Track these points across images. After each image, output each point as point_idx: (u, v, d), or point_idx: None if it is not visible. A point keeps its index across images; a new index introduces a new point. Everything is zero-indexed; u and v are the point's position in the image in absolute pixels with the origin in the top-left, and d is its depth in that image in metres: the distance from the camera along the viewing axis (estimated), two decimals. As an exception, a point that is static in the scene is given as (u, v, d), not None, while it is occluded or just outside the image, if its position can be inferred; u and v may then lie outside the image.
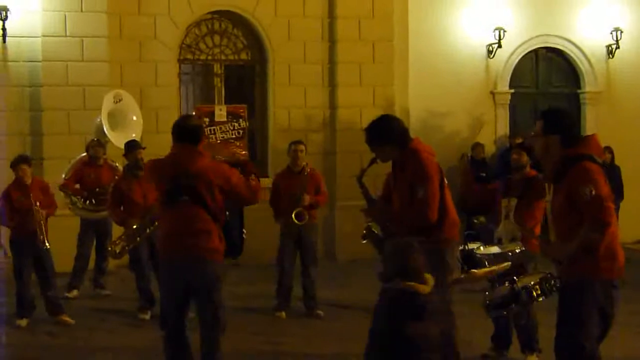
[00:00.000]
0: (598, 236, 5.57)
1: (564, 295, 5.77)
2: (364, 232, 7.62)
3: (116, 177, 11.07)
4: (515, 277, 5.95)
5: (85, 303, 11.28)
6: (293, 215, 10.50)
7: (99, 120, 12.06)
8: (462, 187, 8.56)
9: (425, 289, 5.36)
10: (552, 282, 5.78)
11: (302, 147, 10.92)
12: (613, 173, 16.02)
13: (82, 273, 11.79)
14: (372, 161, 7.00)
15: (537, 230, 8.21)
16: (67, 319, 10.25)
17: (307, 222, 10.57)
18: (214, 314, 6.82)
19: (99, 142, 11.71)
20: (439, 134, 15.45)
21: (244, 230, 8.04)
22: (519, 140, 13.99)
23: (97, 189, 11.44)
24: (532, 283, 5.75)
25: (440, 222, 6.72)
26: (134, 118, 12.59)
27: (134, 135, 12.08)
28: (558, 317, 5.81)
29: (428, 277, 5.45)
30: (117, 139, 11.86)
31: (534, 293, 5.76)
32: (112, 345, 9.28)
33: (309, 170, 10.84)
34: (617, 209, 15.41)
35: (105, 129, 11.91)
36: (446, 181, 6.86)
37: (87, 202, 11.42)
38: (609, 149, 16.06)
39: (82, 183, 11.59)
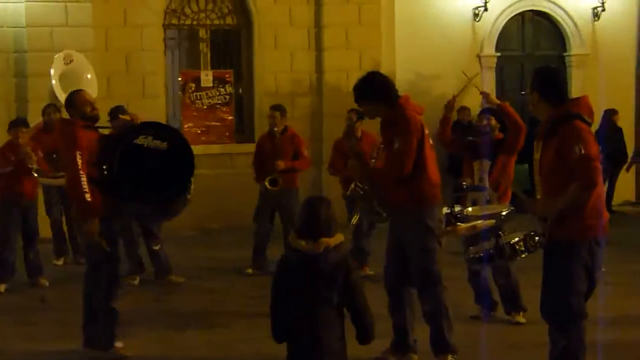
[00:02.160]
0: (585, 194, 5.61)
1: (550, 254, 5.79)
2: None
3: None
4: (500, 232, 5.96)
5: (74, 269, 11.27)
6: (266, 182, 10.55)
7: (51, 83, 11.85)
8: (438, 130, 8.59)
9: (308, 247, 5.14)
10: (536, 239, 5.80)
11: (276, 113, 10.94)
12: (617, 135, 16.11)
13: (62, 239, 11.71)
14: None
15: (509, 190, 8.33)
16: (44, 281, 10.36)
17: (284, 187, 10.64)
18: None
19: (54, 107, 11.43)
20: (425, 97, 15.32)
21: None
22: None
23: (54, 155, 11.14)
24: (516, 239, 5.78)
25: (418, 180, 6.74)
26: (88, 76, 12.35)
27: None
28: (544, 276, 5.84)
29: (336, 236, 5.23)
30: None
31: (518, 249, 5.78)
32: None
33: (287, 133, 10.89)
34: (620, 171, 15.80)
35: (57, 92, 11.68)
36: (431, 141, 6.88)
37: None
38: (613, 111, 16.10)
39: (42, 148, 11.06)
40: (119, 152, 6.97)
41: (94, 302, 7.40)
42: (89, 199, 7.05)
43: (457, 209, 7.63)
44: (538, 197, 5.85)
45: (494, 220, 6.90)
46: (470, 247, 6.36)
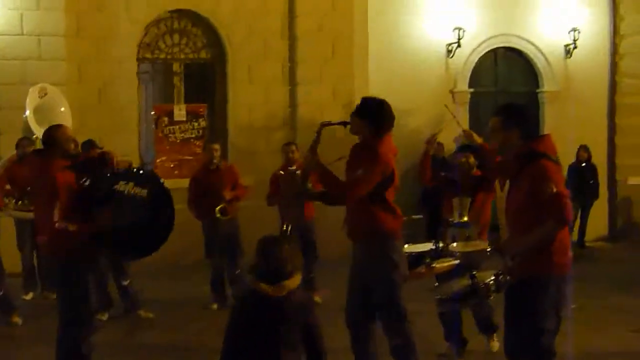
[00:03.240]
0: (557, 231, 5.61)
1: (516, 293, 5.75)
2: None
3: None
4: (474, 272, 5.95)
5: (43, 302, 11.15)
6: (217, 211, 10.56)
7: (25, 116, 11.76)
8: (419, 166, 8.55)
9: (269, 291, 5.05)
10: (507, 278, 5.78)
11: (217, 146, 11.17)
12: (590, 172, 16.25)
13: (32, 274, 11.60)
14: (343, 123, 6.97)
15: (486, 227, 8.37)
16: (17, 319, 10.15)
17: (229, 218, 10.76)
18: None
19: (28, 140, 11.36)
20: (399, 132, 15.18)
21: None
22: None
23: (29, 188, 11.04)
24: (490, 279, 5.76)
25: (382, 214, 6.70)
26: (62, 109, 12.26)
27: None
28: (509, 314, 5.80)
29: (296, 277, 5.15)
30: None
31: (491, 288, 5.76)
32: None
33: (223, 166, 11.08)
34: (590, 207, 15.93)
35: (31, 125, 11.59)
36: (397, 181, 6.87)
37: (19, 202, 11.05)
38: (585, 148, 16.27)
39: (13, 183, 11.06)
40: (96, 198, 6.89)
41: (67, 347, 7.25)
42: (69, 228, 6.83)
43: (441, 244, 7.65)
44: (502, 233, 5.86)
45: (457, 261, 6.85)
46: (438, 288, 6.31)
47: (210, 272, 11.05)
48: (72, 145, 7.18)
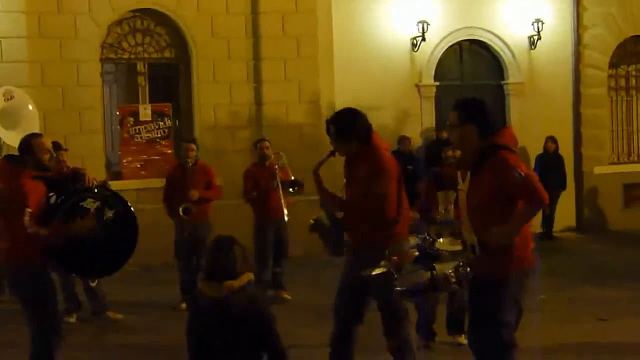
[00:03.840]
0: (535, 211, 5.61)
1: (478, 287, 5.71)
2: (312, 222, 7.46)
3: None
4: (434, 264, 5.88)
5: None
6: (180, 210, 10.52)
7: None
8: None
9: (211, 292, 5.07)
10: (467, 270, 5.72)
11: (192, 145, 11.19)
12: (557, 162, 16.37)
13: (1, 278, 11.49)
14: (331, 154, 6.89)
15: None
16: None
17: (199, 219, 10.72)
18: None
19: None
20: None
21: None
22: (445, 135, 14.10)
23: None
24: (449, 271, 5.71)
25: (397, 218, 6.66)
26: (30, 107, 12.09)
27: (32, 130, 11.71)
28: (473, 307, 5.81)
29: (242, 277, 5.15)
30: (14, 139, 11.50)
31: (450, 280, 5.71)
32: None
33: (198, 165, 11.04)
34: (558, 197, 16.05)
35: None
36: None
37: None
38: (552, 139, 16.38)
39: None
40: (61, 211, 6.74)
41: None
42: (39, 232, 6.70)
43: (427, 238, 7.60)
44: (463, 226, 5.82)
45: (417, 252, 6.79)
46: (400, 280, 6.23)
47: (179, 272, 11.00)
48: (47, 157, 7.02)
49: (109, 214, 6.85)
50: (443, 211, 8.41)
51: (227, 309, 5.05)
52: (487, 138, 5.77)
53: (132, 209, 7.08)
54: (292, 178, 10.93)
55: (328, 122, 6.90)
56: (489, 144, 5.73)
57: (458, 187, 5.99)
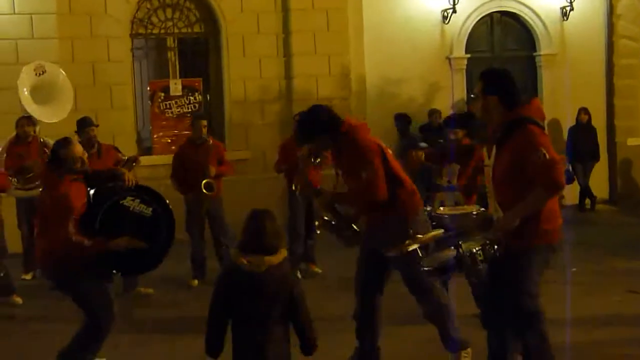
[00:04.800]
0: (550, 197, 5.54)
1: (503, 261, 5.67)
2: (318, 223, 7.50)
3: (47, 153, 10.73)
4: (460, 242, 5.87)
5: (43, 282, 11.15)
6: (202, 185, 10.53)
7: (23, 96, 11.60)
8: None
9: (254, 267, 5.09)
10: (495, 247, 5.68)
11: (203, 122, 11.11)
12: (589, 134, 16.26)
13: (31, 254, 11.57)
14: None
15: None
16: (17, 298, 10.15)
17: (212, 195, 10.71)
18: None
19: (27, 120, 11.27)
20: (395, 101, 15.44)
21: None
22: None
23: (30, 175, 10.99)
24: (476, 249, 5.67)
25: (396, 195, 6.62)
26: (62, 78, 12.03)
27: (67, 107, 11.77)
28: (495, 282, 5.77)
29: (280, 253, 5.19)
30: (46, 114, 11.51)
31: (478, 258, 5.68)
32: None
33: (208, 142, 10.97)
34: (591, 169, 16.02)
35: (25, 105, 11.46)
36: (390, 151, 6.81)
37: (16, 181, 11.01)
38: (585, 110, 16.27)
39: (13, 160, 11.02)
40: (103, 209, 6.86)
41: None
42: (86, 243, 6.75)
43: (428, 208, 7.64)
44: (490, 201, 5.78)
45: (442, 230, 6.76)
46: (426, 259, 6.22)
47: (190, 247, 11.02)
48: (79, 165, 7.01)
49: (148, 211, 6.97)
50: (447, 183, 8.47)
51: (262, 284, 5.09)
52: (511, 110, 5.70)
53: (170, 207, 7.17)
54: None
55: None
56: (515, 117, 5.66)
57: (485, 164, 5.94)
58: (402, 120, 14.58)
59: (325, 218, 7.09)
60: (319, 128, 6.72)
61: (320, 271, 11.18)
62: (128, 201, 6.93)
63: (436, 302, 6.79)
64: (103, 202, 6.92)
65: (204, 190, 10.60)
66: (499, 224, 5.65)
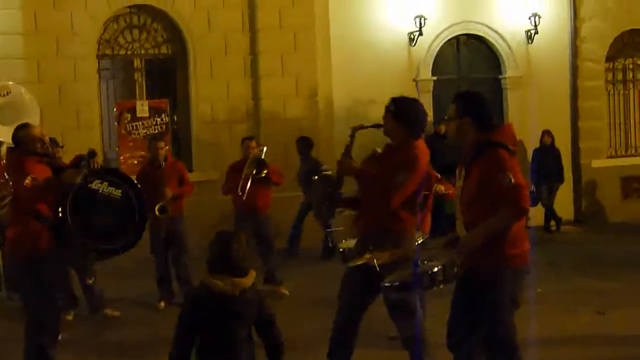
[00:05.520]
0: (514, 221, 5.51)
1: (471, 285, 5.63)
2: (320, 174, 7.33)
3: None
4: (423, 260, 5.83)
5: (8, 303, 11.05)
6: (156, 209, 10.53)
7: None
8: None
9: (227, 289, 5.07)
10: (455, 269, 5.64)
11: (161, 143, 11.13)
12: (553, 155, 16.40)
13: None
14: (377, 126, 6.82)
15: None
16: None
17: (173, 215, 10.72)
18: None
19: None
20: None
21: None
22: (443, 129, 14.05)
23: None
24: (436, 269, 5.64)
25: (406, 216, 6.57)
26: (27, 100, 11.92)
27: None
28: (462, 306, 5.71)
29: (250, 274, 5.20)
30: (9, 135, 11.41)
31: (437, 278, 5.64)
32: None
33: (169, 162, 11.05)
34: (556, 190, 16.14)
35: None
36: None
37: None
38: (548, 133, 16.41)
39: None
40: (71, 194, 6.80)
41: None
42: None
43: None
44: (457, 222, 5.76)
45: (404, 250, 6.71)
46: (388, 276, 6.17)
47: (155, 269, 10.99)
48: (39, 145, 7.08)
49: (117, 193, 6.93)
50: None
51: (234, 305, 5.08)
52: (483, 132, 5.71)
53: (138, 185, 7.16)
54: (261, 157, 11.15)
55: (394, 100, 6.79)
56: (484, 139, 5.66)
57: (455, 184, 5.95)
58: (304, 144, 14.21)
59: (328, 173, 6.99)
60: (414, 122, 6.59)
61: (287, 293, 11.14)
62: (96, 184, 6.88)
63: (415, 331, 6.72)
64: (70, 187, 6.85)
65: (157, 214, 10.57)
66: (461, 243, 5.63)
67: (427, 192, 8.25)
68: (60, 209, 6.77)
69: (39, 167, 6.93)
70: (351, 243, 6.90)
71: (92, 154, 7.15)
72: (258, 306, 5.20)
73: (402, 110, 6.64)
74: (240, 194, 10.93)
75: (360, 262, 6.27)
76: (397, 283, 5.90)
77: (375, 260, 6.07)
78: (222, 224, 11.02)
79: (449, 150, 8.55)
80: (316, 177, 7.18)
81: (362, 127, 6.87)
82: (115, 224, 6.96)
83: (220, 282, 5.06)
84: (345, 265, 6.70)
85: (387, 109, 6.71)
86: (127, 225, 7.00)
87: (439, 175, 8.86)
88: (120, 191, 6.95)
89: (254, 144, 11.45)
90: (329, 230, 7.71)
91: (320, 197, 6.90)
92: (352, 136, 6.82)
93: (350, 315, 6.74)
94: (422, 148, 6.66)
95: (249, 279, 5.16)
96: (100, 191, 6.88)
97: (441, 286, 5.67)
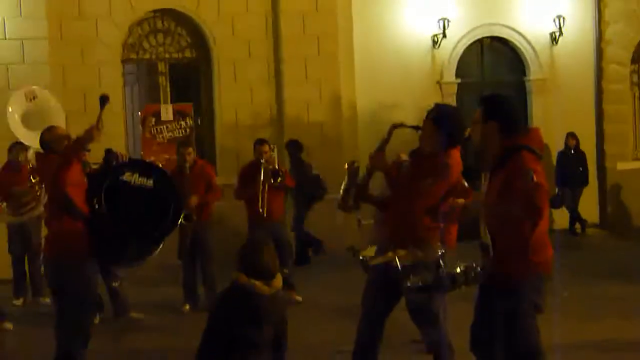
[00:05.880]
0: (527, 220, 5.41)
1: (493, 291, 5.56)
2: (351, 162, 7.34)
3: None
4: (441, 262, 5.79)
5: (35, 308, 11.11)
6: (180, 218, 10.52)
7: (12, 121, 11.56)
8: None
9: (265, 290, 5.28)
10: (478, 271, 5.60)
11: (189, 149, 11.03)
12: (578, 159, 16.32)
13: (22, 279, 11.54)
14: (417, 127, 6.79)
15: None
16: (7, 325, 10.08)
17: (200, 220, 10.68)
18: None
19: (19, 145, 11.30)
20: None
21: None
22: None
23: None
24: (457, 270, 5.60)
25: (428, 222, 6.55)
26: (52, 105, 12.03)
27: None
28: (486, 311, 5.62)
29: (278, 278, 5.42)
30: (36, 139, 11.49)
31: (458, 280, 5.60)
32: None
33: (196, 166, 10.93)
34: (580, 194, 16.06)
35: (13, 129, 11.44)
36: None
37: (7, 207, 10.94)
38: (573, 135, 16.33)
39: (2, 187, 10.98)
40: (104, 187, 6.86)
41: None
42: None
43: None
44: (481, 227, 5.72)
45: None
46: (411, 276, 6.14)
47: (181, 274, 11.02)
48: (65, 142, 7.18)
49: (149, 183, 6.99)
50: None
51: (267, 307, 5.29)
52: (510, 137, 5.61)
53: (168, 174, 7.33)
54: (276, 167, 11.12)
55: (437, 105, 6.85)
56: (511, 144, 5.56)
57: (481, 190, 5.91)
58: (294, 146, 14.18)
59: (356, 165, 6.98)
60: (457, 133, 6.57)
61: (301, 299, 11.14)
62: (127, 176, 6.93)
63: (438, 336, 6.72)
64: (102, 181, 6.92)
65: (182, 222, 10.57)
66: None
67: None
68: (95, 201, 6.84)
69: (71, 167, 6.94)
70: (372, 251, 6.90)
71: (104, 98, 7.24)
72: (283, 307, 5.51)
73: (442, 117, 6.62)
74: (261, 211, 10.87)
75: (381, 261, 6.27)
76: (420, 284, 5.89)
77: (397, 259, 6.05)
78: (245, 229, 11.05)
79: (471, 154, 8.45)
80: (346, 166, 7.18)
81: (402, 125, 6.85)
82: (151, 213, 7.02)
83: (258, 282, 5.26)
84: (366, 266, 6.74)
85: (428, 113, 6.70)
86: (164, 213, 7.05)
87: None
88: (151, 181, 7.01)
89: (266, 148, 11.31)
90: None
91: (348, 188, 6.92)
92: (390, 133, 6.81)
93: (374, 321, 6.74)
94: (455, 158, 6.63)
95: (279, 281, 5.41)
96: (131, 182, 6.95)
97: (463, 288, 5.65)
